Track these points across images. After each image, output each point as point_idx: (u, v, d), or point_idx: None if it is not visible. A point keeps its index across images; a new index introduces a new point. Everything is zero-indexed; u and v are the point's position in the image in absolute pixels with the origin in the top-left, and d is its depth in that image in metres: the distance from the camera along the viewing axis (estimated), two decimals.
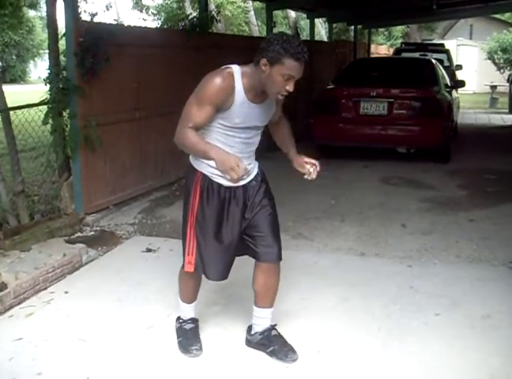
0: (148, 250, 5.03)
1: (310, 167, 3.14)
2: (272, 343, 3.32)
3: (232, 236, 3.15)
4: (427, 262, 4.81)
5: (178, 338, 3.45)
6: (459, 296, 4.09)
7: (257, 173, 3.25)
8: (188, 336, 3.42)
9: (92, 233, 5.54)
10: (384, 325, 3.68)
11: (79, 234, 5.47)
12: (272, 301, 3.36)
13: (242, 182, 3.09)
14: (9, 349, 3.41)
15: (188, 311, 3.49)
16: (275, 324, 3.41)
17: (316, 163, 3.15)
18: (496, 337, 3.53)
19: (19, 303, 3.98)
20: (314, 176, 3.13)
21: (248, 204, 3.17)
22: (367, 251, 5.08)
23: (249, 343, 3.42)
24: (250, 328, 3.45)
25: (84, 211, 5.78)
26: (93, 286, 4.33)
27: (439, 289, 4.22)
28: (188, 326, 3.47)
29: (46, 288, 4.25)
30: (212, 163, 2.96)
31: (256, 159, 3.27)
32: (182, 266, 3.25)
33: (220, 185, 3.09)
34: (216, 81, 2.87)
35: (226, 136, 3.02)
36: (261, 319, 3.37)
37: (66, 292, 4.21)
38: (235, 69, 2.92)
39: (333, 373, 3.17)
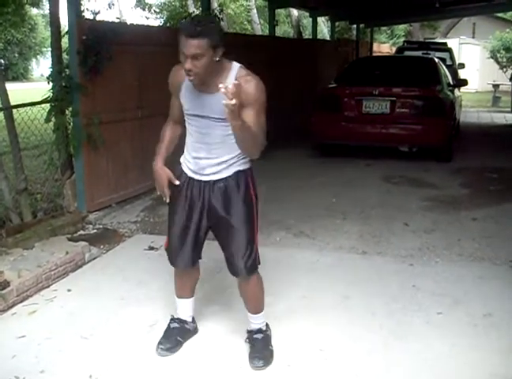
0: (151, 248, 5.04)
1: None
2: (251, 345, 3.32)
3: (188, 224, 3.17)
4: (428, 261, 4.81)
5: None
6: (461, 295, 4.10)
7: (232, 177, 3.09)
8: (166, 334, 3.43)
9: (95, 231, 5.55)
10: (385, 324, 3.68)
11: (81, 232, 5.48)
12: (253, 308, 3.33)
13: (202, 178, 3.11)
14: (12, 347, 3.42)
15: (178, 307, 3.50)
16: (260, 329, 3.35)
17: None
18: (497, 335, 3.54)
19: (22, 301, 4.00)
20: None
21: (210, 204, 3.11)
22: (369, 249, 5.08)
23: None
24: None
25: (87, 209, 5.79)
26: (96, 284, 4.35)
27: (441, 288, 4.22)
28: (172, 325, 3.48)
29: (48, 286, 4.26)
30: (185, 151, 3.18)
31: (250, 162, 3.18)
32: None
33: (186, 173, 3.18)
34: (171, 72, 3.14)
35: (188, 124, 3.12)
36: (249, 321, 3.37)
37: (69, 290, 4.23)
38: None
39: (334, 371, 3.18)
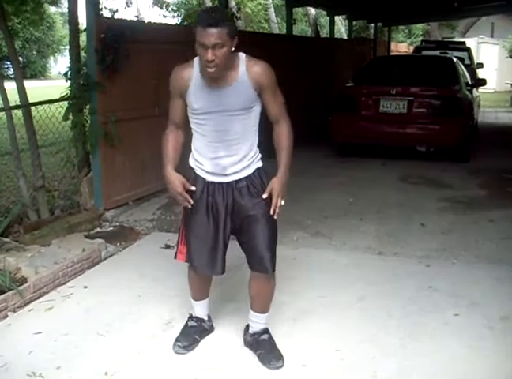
0: (167, 246, 5.04)
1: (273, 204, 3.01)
2: (260, 346, 3.29)
3: (213, 230, 3.10)
4: (445, 262, 4.78)
5: None
6: (478, 297, 4.06)
7: (254, 175, 3.10)
8: (184, 332, 3.44)
9: (111, 228, 5.58)
10: (402, 325, 3.66)
11: (98, 229, 5.51)
12: (263, 307, 3.31)
13: (224, 179, 3.06)
14: (28, 342, 3.44)
15: (195, 308, 3.51)
16: (266, 329, 3.35)
17: (278, 204, 3.02)
18: None
19: (39, 297, 4.02)
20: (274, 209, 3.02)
21: (235, 205, 3.07)
22: (386, 250, 5.06)
23: (245, 342, 3.41)
24: (247, 327, 3.43)
25: (104, 206, 5.82)
26: (112, 281, 4.36)
27: (458, 289, 4.19)
28: (190, 323, 3.49)
29: (65, 283, 4.28)
30: (196, 155, 3.11)
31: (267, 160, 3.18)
32: (175, 256, 3.33)
33: (203, 178, 3.11)
34: (173, 72, 3.02)
35: (198, 125, 3.04)
36: (254, 322, 3.35)
37: (85, 287, 4.25)
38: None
39: (350, 371, 3.17)
